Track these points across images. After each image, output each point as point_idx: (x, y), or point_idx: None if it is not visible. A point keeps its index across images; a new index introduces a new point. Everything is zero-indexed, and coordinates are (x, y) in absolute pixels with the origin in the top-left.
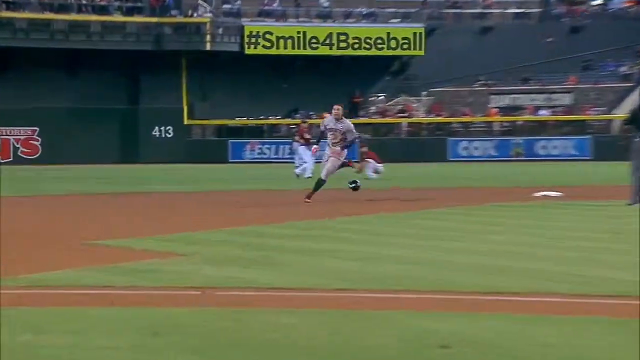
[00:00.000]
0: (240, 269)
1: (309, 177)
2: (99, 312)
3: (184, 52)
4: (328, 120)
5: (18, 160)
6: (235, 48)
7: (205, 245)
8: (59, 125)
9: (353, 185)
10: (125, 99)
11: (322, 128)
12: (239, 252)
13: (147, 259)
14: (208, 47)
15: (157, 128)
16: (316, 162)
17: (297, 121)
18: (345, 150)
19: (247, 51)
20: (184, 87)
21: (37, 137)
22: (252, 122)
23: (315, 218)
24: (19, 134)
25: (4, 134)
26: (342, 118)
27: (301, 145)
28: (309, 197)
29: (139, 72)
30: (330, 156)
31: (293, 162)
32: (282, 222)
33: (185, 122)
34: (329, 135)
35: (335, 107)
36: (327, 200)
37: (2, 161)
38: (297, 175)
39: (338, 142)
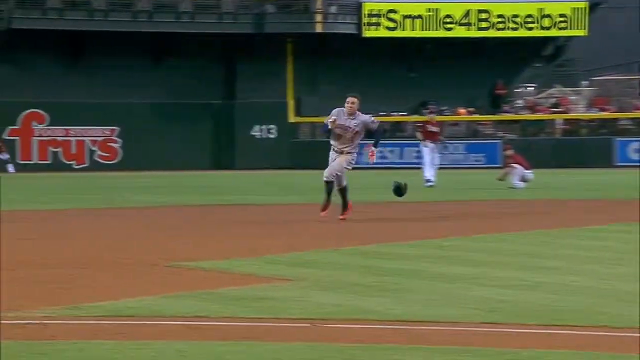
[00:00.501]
0: (356, 296)
1: (429, 184)
2: (189, 346)
3: (289, 36)
4: (336, 113)
5: (95, 166)
6: (351, 30)
7: (314, 267)
8: (141, 125)
9: (397, 185)
10: (219, 92)
11: (326, 122)
12: (354, 276)
13: (246, 284)
14: (319, 29)
15: (257, 127)
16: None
17: (424, 118)
18: (356, 154)
19: (365, 33)
20: (290, 77)
21: (116, 139)
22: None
23: (443, 236)
24: (95, 135)
25: (78, 134)
26: (356, 113)
27: (430, 143)
28: (324, 208)
29: (235, 60)
30: (344, 154)
31: (421, 167)
32: (403, 240)
33: (291, 119)
34: (336, 132)
35: (350, 99)
36: (457, 215)
37: (77, 167)
38: (429, 183)
39: (347, 144)
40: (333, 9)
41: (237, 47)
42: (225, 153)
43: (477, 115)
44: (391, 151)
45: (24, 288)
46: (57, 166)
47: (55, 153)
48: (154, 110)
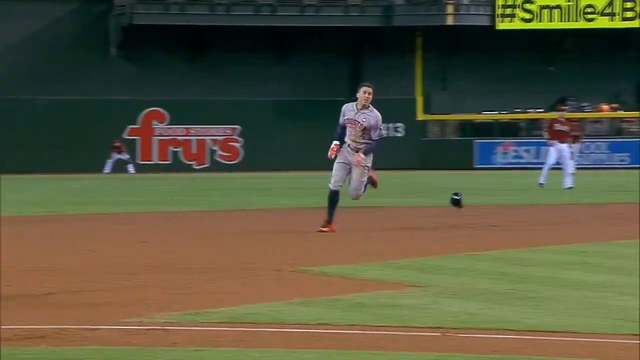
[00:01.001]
0: (489, 304)
1: (541, 184)
2: (311, 355)
3: (419, 29)
4: (348, 108)
5: (215, 167)
6: (484, 22)
7: (444, 273)
8: (263, 123)
9: (456, 197)
10: (344, 89)
11: (341, 121)
12: (487, 283)
13: (372, 291)
14: (450, 21)
15: (383, 125)
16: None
17: (554, 115)
18: (370, 157)
19: (499, 25)
20: (419, 73)
21: (237, 138)
22: (506, 116)
23: (580, 241)
24: (216, 134)
25: (199, 134)
26: (370, 106)
27: (558, 143)
28: (325, 225)
29: (362, 55)
30: (355, 166)
31: (561, 168)
32: (538, 245)
33: (420, 117)
34: (348, 129)
35: (365, 88)
36: (595, 218)
37: (197, 167)
38: (566, 186)
39: (360, 142)
40: (465, 0)
41: (363, 42)
42: None
43: (621, 112)
44: (527, 151)
45: (144, 293)
46: (177, 166)
47: (175, 153)
48: (277, 108)
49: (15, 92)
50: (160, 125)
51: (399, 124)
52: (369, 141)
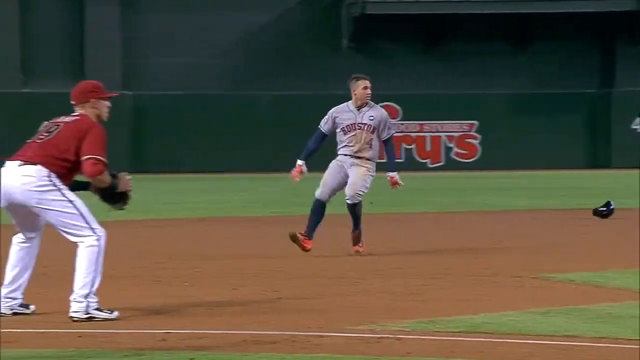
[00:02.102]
0: None
1: None
2: None
3: None
4: (340, 110)
5: (451, 165)
6: None
7: None
8: (502, 118)
9: (605, 211)
10: (594, 80)
11: (325, 129)
12: None
13: (623, 300)
14: None
15: (637, 120)
16: None
17: None
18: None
19: None
20: None
21: (475, 134)
22: None
23: None
24: (452, 130)
25: (433, 129)
26: (370, 103)
27: None
28: (355, 242)
29: (615, 43)
30: (359, 165)
31: None
32: None
33: None
34: (347, 136)
35: (364, 81)
36: None
37: (432, 166)
38: None
39: (367, 149)
40: None
41: (617, 28)
42: (600, 150)
43: None
44: None
45: (374, 300)
46: (411, 165)
47: (409, 150)
48: (517, 102)
49: (241, 88)
50: (393, 121)
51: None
52: (376, 147)
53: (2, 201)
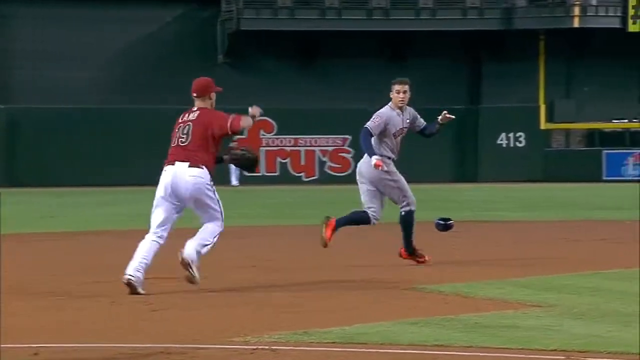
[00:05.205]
0: (618, 327)
1: None
2: None
3: (542, 32)
4: (389, 114)
5: (325, 178)
6: (614, 24)
7: (569, 293)
8: None
9: (443, 222)
10: (462, 96)
11: (377, 132)
12: (616, 304)
13: (491, 310)
14: (576, 23)
15: (503, 135)
16: None
17: None
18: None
19: (630, 28)
20: (542, 79)
21: (348, 149)
22: (637, 125)
23: None
24: (326, 144)
25: (308, 144)
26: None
27: None
28: (410, 253)
29: (481, 60)
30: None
31: None
32: None
33: (543, 126)
34: (396, 140)
35: (399, 86)
36: None
37: (306, 179)
38: None
39: (397, 153)
40: (593, 1)
41: (483, 46)
42: (468, 164)
43: None
44: None
45: (252, 311)
46: (285, 179)
47: (283, 164)
48: None
49: (118, 102)
50: (268, 135)
51: (520, 134)
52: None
53: (165, 192)
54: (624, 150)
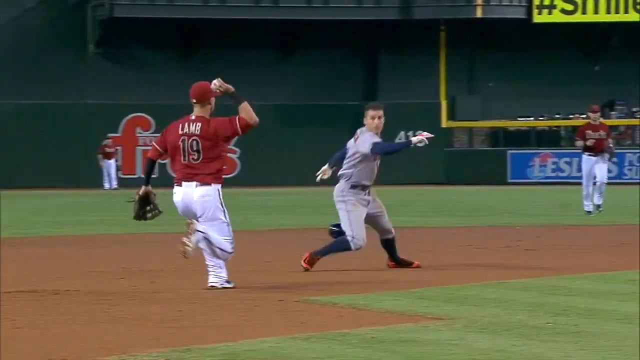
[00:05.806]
0: (523, 340)
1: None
2: None
3: (443, 22)
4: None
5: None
6: (519, 14)
7: (472, 304)
8: (264, 130)
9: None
10: (358, 91)
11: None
12: (521, 315)
13: (389, 324)
14: (479, 13)
15: (402, 134)
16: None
17: (584, 121)
18: None
19: (536, 18)
20: (443, 73)
21: (234, 149)
22: (543, 123)
23: (628, 268)
24: None
25: None
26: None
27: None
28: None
29: (378, 53)
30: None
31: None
32: (580, 272)
33: (444, 124)
34: (375, 162)
35: (373, 112)
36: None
37: None
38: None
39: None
40: None
41: (379, 37)
42: None
43: None
44: (568, 163)
45: (128, 327)
46: (164, 181)
47: (162, 165)
48: (279, 113)
49: None
50: (145, 134)
51: (420, 132)
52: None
53: (181, 212)
54: (530, 151)
